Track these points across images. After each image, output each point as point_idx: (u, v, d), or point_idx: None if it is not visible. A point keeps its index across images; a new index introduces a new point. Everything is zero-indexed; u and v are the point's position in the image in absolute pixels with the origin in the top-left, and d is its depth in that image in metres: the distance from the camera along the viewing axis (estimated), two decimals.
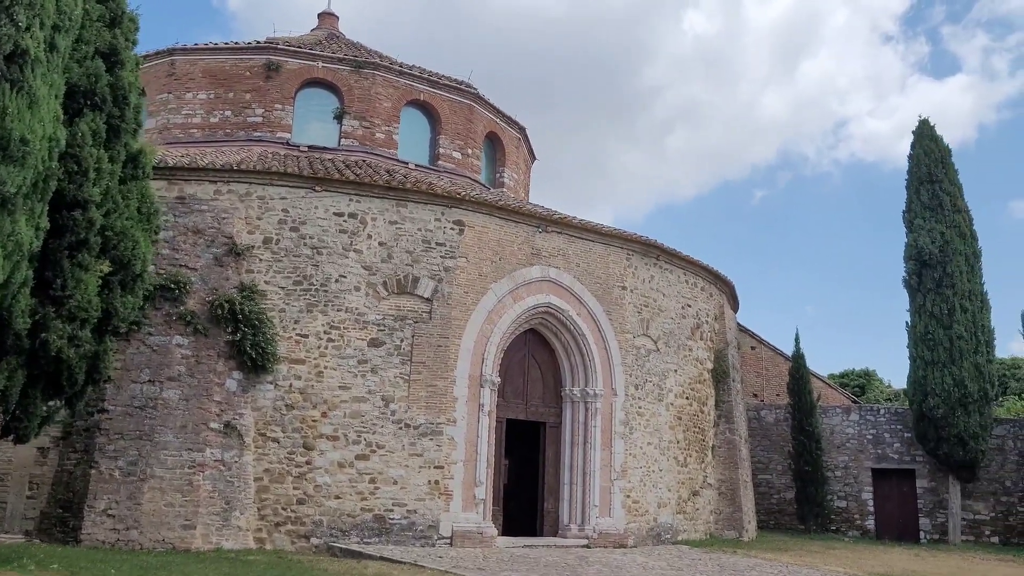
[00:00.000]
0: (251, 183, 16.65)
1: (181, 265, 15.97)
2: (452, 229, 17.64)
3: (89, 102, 11.02)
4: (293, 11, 64.64)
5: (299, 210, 16.73)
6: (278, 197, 16.70)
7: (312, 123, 23.74)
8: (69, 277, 10.78)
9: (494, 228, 18.15)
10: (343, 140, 23.50)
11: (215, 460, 15.17)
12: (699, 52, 74.85)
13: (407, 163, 23.62)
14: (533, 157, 30.06)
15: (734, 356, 23.98)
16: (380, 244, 17.05)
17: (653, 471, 19.99)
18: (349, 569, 13.12)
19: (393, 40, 66.70)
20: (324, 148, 22.90)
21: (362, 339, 16.63)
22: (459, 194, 17.85)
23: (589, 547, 17.81)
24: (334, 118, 23.75)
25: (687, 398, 21.43)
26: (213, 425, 15.30)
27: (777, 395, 28.66)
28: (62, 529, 14.97)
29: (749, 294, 73.69)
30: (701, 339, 22.27)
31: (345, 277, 16.71)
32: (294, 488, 15.76)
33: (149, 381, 15.32)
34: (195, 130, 23.39)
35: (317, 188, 16.84)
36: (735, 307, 26.24)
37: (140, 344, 15.50)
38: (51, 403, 11.98)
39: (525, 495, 19.66)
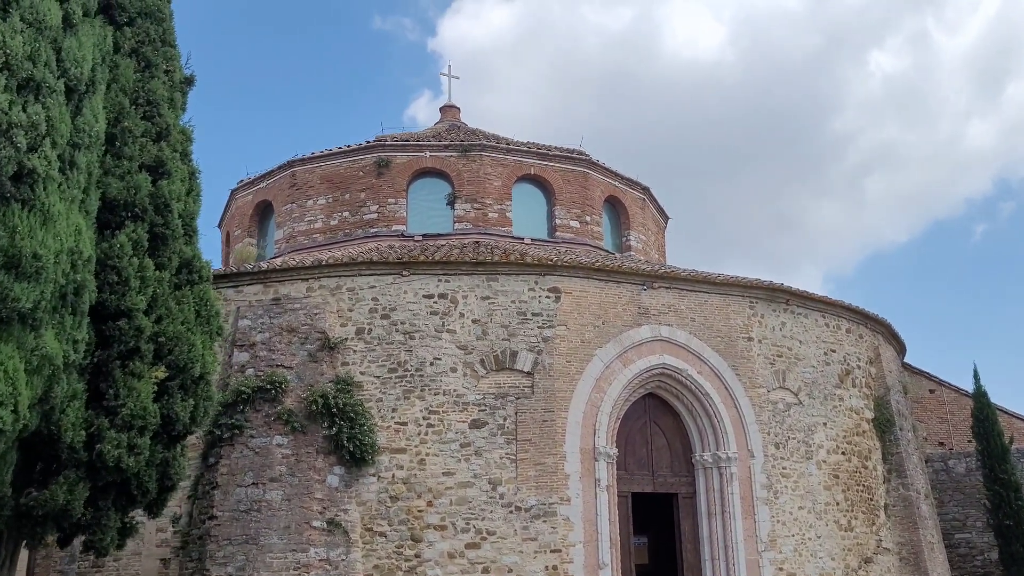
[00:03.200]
0: (340, 276, 16.73)
1: (277, 365, 16.12)
2: (548, 297, 16.92)
3: (129, 214, 11.30)
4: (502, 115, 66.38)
5: (389, 297, 16.59)
6: (367, 287, 16.66)
7: (426, 212, 23.90)
8: (121, 386, 10.87)
9: (593, 291, 17.27)
10: (456, 224, 23.50)
11: (320, 560, 14.87)
12: (890, 92, 70.69)
13: (522, 239, 23.27)
14: (665, 217, 28.97)
15: (899, 402, 21.48)
16: (473, 321, 16.57)
17: (809, 538, 17.93)
18: None
19: (571, 128, 67.54)
20: (438, 235, 22.96)
21: (463, 421, 16.06)
22: (550, 261, 17.18)
23: None
24: (447, 204, 23.86)
25: (843, 453, 19.25)
26: (316, 523, 15.07)
27: (968, 441, 25.36)
28: None
29: (972, 336, 66.66)
30: (853, 386, 20.09)
31: (440, 359, 16.29)
32: None
33: (253, 484, 15.34)
34: (317, 234, 24.12)
35: (405, 272, 16.68)
36: (900, 348, 23.68)
37: (243, 447, 15.62)
38: (131, 514, 12.05)
39: (667, 574, 18.12)
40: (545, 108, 65.56)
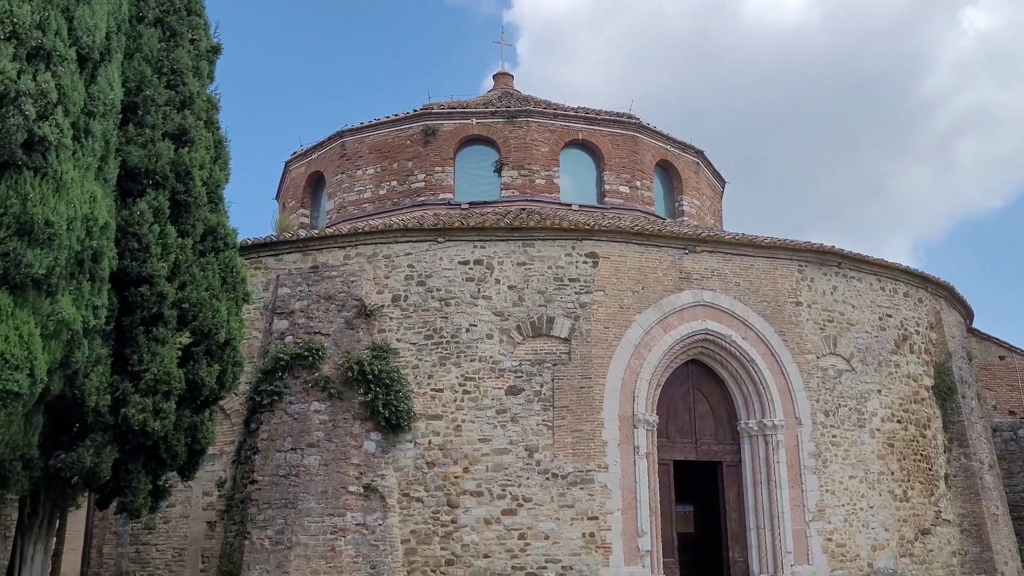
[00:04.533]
0: (376, 243, 16.72)
1: (315, 332, 16.23)
2: (585, 262, 16.63)
3: (151, 181, 11.41)
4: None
5: (424, 264, 16.52)
6: (403, 254, 16.61)
7: (473, 180, 23.70)
8: (145, 351, 11.03)
9: (632, 255, 16.90)
10: (503, 191, 23.26)
11: (356, 524, 14.99)
12: (984, 51, 67.13)
13: (570, 205, 22.92)
14: (722, 181, 28.21)
15: (962, 369, 20.58)
16: (509, 288, 16.40)
17: (861, 508, 17.36)
18: None
19: (648, 98, 66.18)
20: (485, 202, 22.75)
21: (499, 388, 15.95)
22: (587, 225, 16.86)
23: None
24: (494, 171, 23.62)
25: (899, 421, 18.55)
26: (352, 488, 15.18)
27: None
28: None
29: None
30: (911, 352, 19.31)
31: (476, 326, 16.19)
32: (441, 549, 15.23)
33: (291, 449, 15.53)
34: (367, 204, 24.16)
35: (440, 239, 16.57)
36: (966, 313, 22.68)
37: (283, 413, 15.81)
38: (165, 476, 12.28)
39: (714, 544, 17.80)
40: (623, 78, 64.19)
